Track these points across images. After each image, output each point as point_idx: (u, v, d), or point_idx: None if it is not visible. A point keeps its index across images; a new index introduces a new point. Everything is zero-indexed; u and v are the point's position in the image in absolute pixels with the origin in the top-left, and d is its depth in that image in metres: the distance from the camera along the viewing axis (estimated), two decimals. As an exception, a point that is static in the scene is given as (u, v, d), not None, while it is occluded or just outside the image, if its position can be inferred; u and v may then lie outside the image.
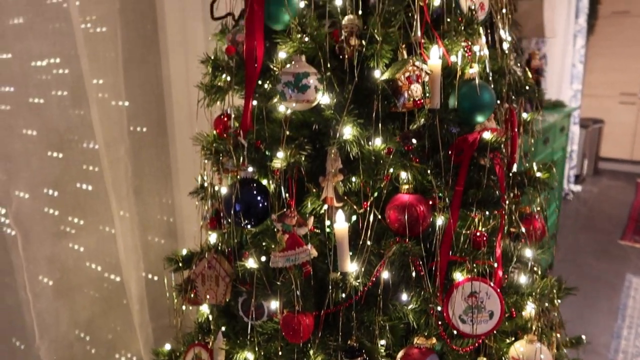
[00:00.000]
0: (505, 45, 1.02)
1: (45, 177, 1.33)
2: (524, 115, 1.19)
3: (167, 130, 1.57)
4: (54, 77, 1.30)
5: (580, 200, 5.36)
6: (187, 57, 1.50)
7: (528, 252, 1.05)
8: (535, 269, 1.05)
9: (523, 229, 1.05)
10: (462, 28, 0.93)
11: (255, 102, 1.05)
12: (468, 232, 1.00)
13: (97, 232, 1.48)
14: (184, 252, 1.25)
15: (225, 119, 1.11)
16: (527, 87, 1.08)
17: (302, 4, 1.00)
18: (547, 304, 1.04)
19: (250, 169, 1.04)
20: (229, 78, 1.06)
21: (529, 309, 1.04)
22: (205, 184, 1.17)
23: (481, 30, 0.95)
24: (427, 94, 0.91)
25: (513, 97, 1.05)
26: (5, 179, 1.23)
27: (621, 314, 2.80)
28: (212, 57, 1.12)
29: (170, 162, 1.61)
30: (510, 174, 1.08)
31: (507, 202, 1.01)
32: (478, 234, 1.00)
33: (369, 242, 0.94)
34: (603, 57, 6.70)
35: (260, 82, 1.02)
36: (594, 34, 6.68)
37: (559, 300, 1.08)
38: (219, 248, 1.13)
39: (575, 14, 5.27)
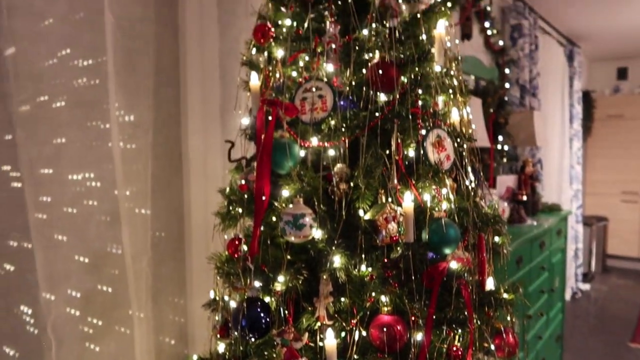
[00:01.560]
0: (470, 186, 1.23)
1: (76, 283, 1.52)
2: (496, 239, 1.38)
3: (185, 245, 1.78)
4: (88, 189, 1.52)
5: (590, 300, 5.35)
6: (206, 185, 1.75)
7: (500, 366, 1.18)
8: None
9: (492, 346, 1.20)
10: (431, 176, 1.15)
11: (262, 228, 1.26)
12: (444, 346, 1.15)
13: (116, 335, 1.64)
14: (195, 358, 1.40)
15: (237, 242, 1.31)
16: (494, 219, 1.28)
17: (302, 153, 1.23)
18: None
19: (257, 284, 1.23)
20: (240, 210, 1.28)
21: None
22: (217, 298, 1.35)
23: (446, 178, 1.16)
24: (402, 231, 1.11)
25: (479, 227, 1.24)
26: (47, 291, 1.42)
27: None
28: (228, 190, 1.35)
29: (185, 272, 1.81)
30: (481, 295, 1.24)
31: (475, 320, 1.16)
32: (454, 348, 1.15)
33: (355, 356, 1.09)
34: (602, 158, 6.97)
35: (266, 215, 1.24)
36: (592, 136, 7.01)
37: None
38: (226, 357, 1.28)
39: (570, 119, 5.61)
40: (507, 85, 3.95)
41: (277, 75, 1.25)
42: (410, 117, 1.16)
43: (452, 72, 1.28)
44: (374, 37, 1.18)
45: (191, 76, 1.74)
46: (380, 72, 1.14)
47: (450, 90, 1.27)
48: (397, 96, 1.17)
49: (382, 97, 1.19)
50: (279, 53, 1.26)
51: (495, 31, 3.82)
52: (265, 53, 1.29)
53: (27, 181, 1.36)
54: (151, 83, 1.65)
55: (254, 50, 1.35)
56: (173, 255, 1.79)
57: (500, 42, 3.95)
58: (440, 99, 1.29)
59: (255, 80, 1.28)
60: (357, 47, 1.19)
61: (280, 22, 1.30)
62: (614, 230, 6.76)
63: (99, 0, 1.44)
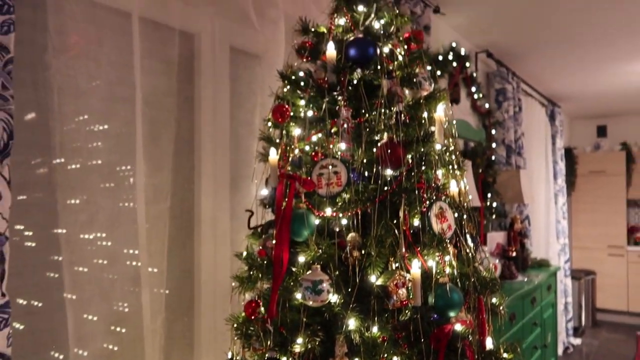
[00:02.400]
0: (470, 253, 1.36)
1: (92, 343, 1.58)
2: (493, 300, 1.49)
3: (194, 304, 1.86)
4: (109, 249, 1.61)
5: (582, 355, 5.39)
6: (216, 246, 1.86)
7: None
8: None
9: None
10: (435, 244, 1.27)
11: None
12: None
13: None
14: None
15: (254, 304, 1.41)
16: (492, 282, 1.39)
17: (317, 222, 1.35)
18: None
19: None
20: (260, 274, 1.38)
21: None
22: (235, 358, 1.42)
23: (449, 245, 1.29)
24: (411, 295, 1.22)
25: (479, 290, 1.36)
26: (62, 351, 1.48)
27: None
28: (246, 254, 1.46)
29: (194, 332, 1.88)
30: (483, 354, 1.34)
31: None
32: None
33: (369, 415, 1.17)
34: (587, 212, 7.18)
35: (283, 279, 1.34)
36: (576, 191, 7.25)
37: None
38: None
39: (554, 175, 5.83)
40: (494, 145, 4.17)
41: (295, 152, 1.39)
42: (415, 191, 1.29)
43: (450, 149, 1.43)
44: (383, 119, 1.33)
45: (204, 145, 1.89)
46: (389, 151, 1.29)
47: (449, 165, 1.42)
48: (404, 172, 1.31)
49: (390, 172, 1.33)
50: (296, 132, 1.41)
51: (481, 95, 4.07)
52: (284, 131, 1.43)
53: (45, 241, 1.46)
54: (171, 150, 1.78)
55: (271, 126, 1.49)
56: (184, 315, 1.87)
57: (486, 105, 4.19)
58: (440, 173, 1.43)
59: (273, 155, 1.42)
60: (367, 129, 1.34)
61: (296, 103, 1.46)
62: (602, 284, 6.88)
63: (130, 78, 1.59)
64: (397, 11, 1.51)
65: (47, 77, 1.35)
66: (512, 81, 4.45)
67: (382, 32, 1.47)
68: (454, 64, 3.58)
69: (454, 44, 3.60)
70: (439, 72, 3.39)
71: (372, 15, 1.45)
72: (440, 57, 3.47)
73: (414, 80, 1.40)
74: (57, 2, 1.35)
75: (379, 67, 1.37)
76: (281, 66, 1.87)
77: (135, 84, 1.59)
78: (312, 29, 1.52)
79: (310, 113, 1.43)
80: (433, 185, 1.35)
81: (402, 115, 1.34)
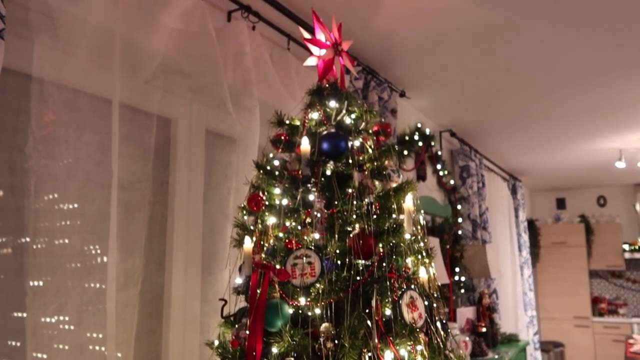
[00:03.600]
0: (441, 341, 1.38)
1: None
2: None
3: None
4: (72, 333, 1.56)
5: None
6: (185, 332, 1.83)
7: None
8: None
9: None
10: (407, 334, 1.29)
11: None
12: None
13: None
14: None
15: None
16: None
17: (290, 311, 1.36)
18: None
19: None
20: (232, 366, 1.36)
21: None
22: None
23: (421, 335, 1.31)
24: (384, 388, 1.22)
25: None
26: None
27: None
28: (217, 343, 1.44)
29: None
30: None
31: None
32: None
33: None
34: (552, 283, 7.32)
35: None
36: (540, 262, 7.42)
37: None
38: None
39: (519, 247, 5.98)
40: (460, 220, 4.29)
41: (269, 241, 1.42)
42: (387, 280, 1.33)
43: (419, 238, 1.49)
44: (354, 210, 1.39)
45: (178, 229, 1.90)
46: (360, 241, 1.34)
47: (419, 254, 1.47)
48: (376, 262, 1.35)
49: (362, 262, 1.37)
50: (271, 220, 1.45)
51: (446, 172, 4.24)
52: (258, 219, 1.47)
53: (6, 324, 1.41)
54: (144, 234, 1.79)
55: (245, 214, 1.53)
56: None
57: (452, 182, 4.36)
58: (409, 260, 1.48)
59: (248, 243, 1.45)
60: (340, 219, 1.39)
61: (270, 192, 1.51)
62: (571, 356, 6.90)
63: (107, 162, 1.62)
64: (366, 106, 1.62)
65: (24, 162, 1.37)
66: (475, 158, 4.67)
67: (352, 126, 1.56)
68: (420, 143, 3.75)
69: (419, 125, 3.79)
70: (405, 152, 3.54)
71: (344, 111, 1.55)
72: (407, 137, 3.64)
73: (384, 172, 1.48)
74: (41, 89, 1.39)
75: (350, 160, 1.45)
76: (256, 152, 1.94)
77: (112, 168, 1.61)
78: (287, 122, 1.60)
79: (285, 202, 1.48)
80: (404, 274, 1.40)
81: (373, 206, 1.40)
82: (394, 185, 1.49)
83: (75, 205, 1.56)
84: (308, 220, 1.38)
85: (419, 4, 2.39)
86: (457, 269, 3.85)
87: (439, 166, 4.13)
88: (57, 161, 1.47)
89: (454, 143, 4.64)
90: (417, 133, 3.74)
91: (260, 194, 1.49)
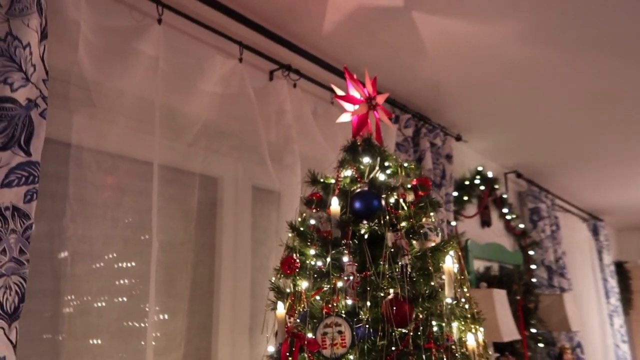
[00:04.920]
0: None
1: None
2: None
3: None
4: None
5: None
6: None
7: None
8: None
9: None
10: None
11: None
12: None
13: None
14: None
15: None
16: None
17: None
18: None
19: None
20: None
21: None
22: None
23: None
24: None
25: None
26: None
27: None
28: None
29: None
30: None
31: None
32: None
33: None
34: (650, 333, 6.56)
35: None
36: (633, 308, 6.71)
37: None
38: None
39: (605, 294, 5.46)
40: (533, 267, 3.99)
41: (302, 305, 1.37)
42: (424, 351, 1.22)
43: (462, 301, 1.37)
44: (388, 273, 1.31)
45: (224, 289, 1.89)
46: (394, 308, 1.25)
47: (464, 318, 1.35)
48: (412, 330, 1.25)
49: (397, 330, 1.27)
50: (304, 284, 1.40)
51: (514, 215, 3.99)
52: (292, 283, 1.42)
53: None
54: (187, 296, 1.79)
55: (280, 277, 1.49)
56: None
57: (521, 226, 4.09)
58: (455, 326, 1.36)
59: (281, 309, 1.40)
60: (373, 283, 1.31)
61: (305, 253, 1.46)
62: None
63: (148, 228, 1.66)
64: (400, 161, 1.55)
65: (62, 233, 1.43)
66: (546, 199, 4.38)
67: (387, 183, 1.50)
68: (482, 187, 3.58)
69: (480, 168, 3.63)
70: (465, 197, 3.38)
71: (377, 168, 1.49)
72: (467, 182, 3.48)
73: (420, 231, 1.40)
74: (79, 174, 1.46)
75: (383, 219, 1.38)
76: (297, 210, 1.92)
77: (152, 230, 1.63)
78: (321, 180, 1.57)
79: (319, 264, 1.42)
80: (444, 342, 1.28)
81: (408, 268, 1.32)
82: (432, 244, 1.39)
83: (117, 266, 1.60)
84: (340, 284, 1.32)
85: (460, 48, 2.32)
86: (532, 321, 3.55)
87: (505, 210, 3.91)
88: (96, 226, 1.51)
89: (521, 184, 4.39)
90: (478, 177, 3.57)
91: (295, 256, 1.45)
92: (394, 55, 2.36)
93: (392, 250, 1.33)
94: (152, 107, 1.62)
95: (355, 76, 1.69)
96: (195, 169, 1.86)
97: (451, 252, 1.41)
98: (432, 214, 1.46)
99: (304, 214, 1.52)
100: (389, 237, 1.35)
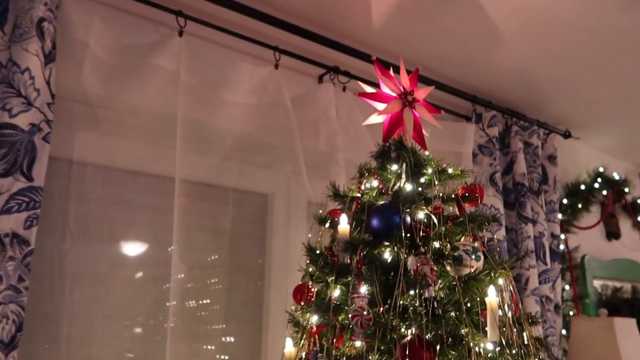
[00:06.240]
0: None
1: None
2: None
3: None
4: None
5: None
6: None
7: None
8: None
9: None
10: None
11: None
12: None
13: None
14: None
15: None
16: None
17: None
18: None
19: None
20: None
21: None
22: None
23: None
24: None
25: None
26: None
27: None
28: None
29: None
30: None
31: None
32: None
33: None
34: None
35: None
36: None
37: None
38: None
39: None
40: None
41: (310, 345, 1.15)
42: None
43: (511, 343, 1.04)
44: (410, 308, 1.04)
45: (273, 316, 1.73)
46: (409, 353, 0.97)
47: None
48: (434, 385, 0.96)
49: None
50: (313, 319, 1.18)
51: (654, 224, 3.28)
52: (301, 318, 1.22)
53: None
54: (222, 322, 1.67)
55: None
56: None
57: (665, 237, 3.34)
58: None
59: (289, 346, 1.20)
60: (388, 321, 1.05)
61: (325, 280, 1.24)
62: None
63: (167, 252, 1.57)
64: (438, 164, 1.27)
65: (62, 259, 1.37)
66: (701, 203, 3.53)
67: (419, 193, 1.22)
68: (604, 191, 2.99)
69: (601, 169, 3.04)
70: (579, 205, 2.83)
71: (403, 176, 1.23)
72: (584, 186, 2.93)
73: (455, 254, 1.10)
74: (81, 189, 1.42)
75: (404, 239, 1.11)
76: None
77: (173, 251, 1.52)
78: (346, 193, 1.34)
79: (337, 292, 1.19)
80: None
81: (434, 302, 1.03)
82: (467, 271, 1.08)
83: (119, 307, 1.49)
84: (345, 322, 1.08)
85: (542, 24, 1.91)
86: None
87: (640, 218, 3.23)
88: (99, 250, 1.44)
89: (663, 186, 3.61)
90: (599, 179, 2.99)
91: (309, 284, 1.24)
92: (461, 43, 2.03)
93: (413, 279, 1.06)
94: (173, 121, 1.54)
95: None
96: (228, 184, 1.74)
97: (499, 281, 1.09)
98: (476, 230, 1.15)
99: (320, 233, 1.30)
100: (410, 262, 1.08)
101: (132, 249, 1.52)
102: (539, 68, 2.24)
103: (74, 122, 1.39)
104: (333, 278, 1.12)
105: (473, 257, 1.09)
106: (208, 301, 1.66)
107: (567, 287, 2.59)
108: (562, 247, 2.57)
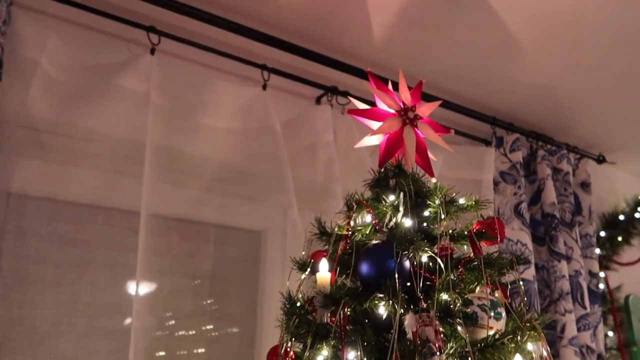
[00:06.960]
0: None
1: None
2: None
3: None
4: None
5: None
6: None
7: None
8: None
9: None
10: None
11: None
12: None
13: None
14: None
15: None
16: None
17: None
18: None
19: None
20: None
21: None
22: None
23: None
24: None
25: None
26: None
27: None
28: None
29: None
30: None
31: None
32: None
33: None
34: None
35: None
36: None
37: None
38: None
39: None
40: None
41: None
42: None
43: None
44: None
45: None
46: None
47: None
48: None
49: None
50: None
51: None
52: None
53: None
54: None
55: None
56: None
57: None
58: None
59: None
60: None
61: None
62: None
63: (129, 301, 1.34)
64: (444, 193, 1.02)
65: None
66: None
67: (423, 230, 0.98)
68: (646, 222, 2.66)
69: (641, 196, 2.72)
70: (620, 237, 2.52)
71: (400, 209, 0.98)
72: (623, 216, 2.62)
73: (468, 311, 0.84)
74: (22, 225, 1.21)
75: (398, 291, 0.85)
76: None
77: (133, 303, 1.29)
78: (332, 231, 1.10)
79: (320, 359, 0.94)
80: None
81: (441, 377, 0.77)
82: (485, 334, 0.82)
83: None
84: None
85: (566, 33, 1.68)
86: None
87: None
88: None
89: None
90: (639, 208, 2.67)
91: (287, 345, 0.99)
92: (475, 57, 1.80)
93: (411, 345, 0.80)
94: (141, 148, 1.34)
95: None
96: (209, 219, 1.52)
97: (528, 346, 0.83)
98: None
99: (299, 282, 1.05)
100: (408, 322, 0.82)
101: (84, 295, 1.29)
102: (565, 84, 1.98)
103: (14, 149, 1.19)
104: (309, 341, 0.87)
105: (492, 314, 0.83)
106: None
107: (610, 333, 2.26)
108: (602, 286, 2.25)
